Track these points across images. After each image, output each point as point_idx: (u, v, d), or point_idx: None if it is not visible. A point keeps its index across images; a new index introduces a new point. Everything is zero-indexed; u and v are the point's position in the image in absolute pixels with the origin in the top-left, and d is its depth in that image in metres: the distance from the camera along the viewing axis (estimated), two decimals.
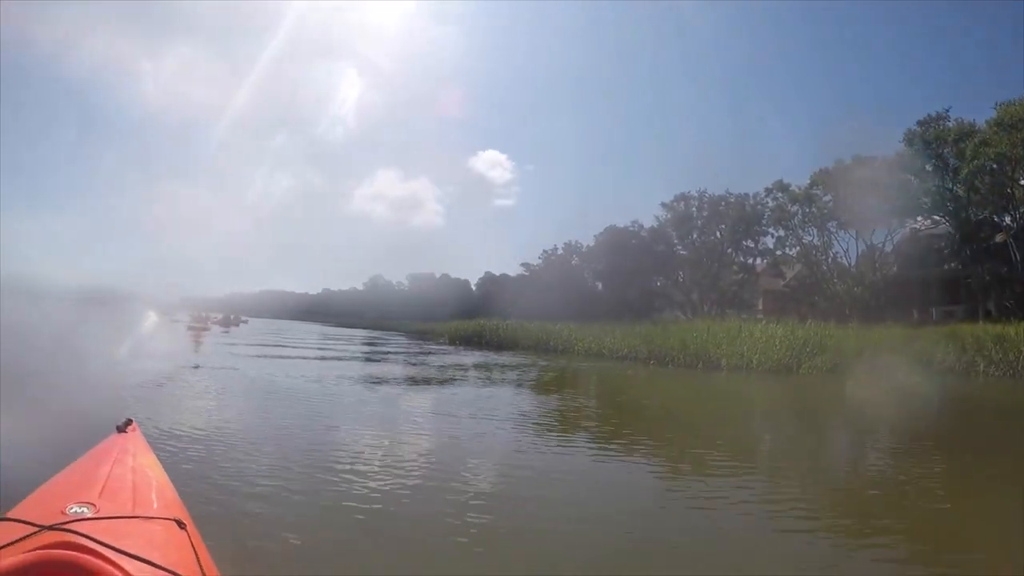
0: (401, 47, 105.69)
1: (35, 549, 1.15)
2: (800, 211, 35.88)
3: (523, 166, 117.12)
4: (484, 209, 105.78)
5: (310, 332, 40.79)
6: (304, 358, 16.97)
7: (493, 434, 6.61)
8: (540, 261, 51.04)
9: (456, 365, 16.88)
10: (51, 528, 1.25)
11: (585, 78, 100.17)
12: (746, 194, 39.32)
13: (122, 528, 1.37)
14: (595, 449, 6.06)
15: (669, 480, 5.11)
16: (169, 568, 1.24)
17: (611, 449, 6.09)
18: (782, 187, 37.08)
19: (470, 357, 20.37)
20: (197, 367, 11.15)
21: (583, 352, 21.99)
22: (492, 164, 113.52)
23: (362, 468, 4.68)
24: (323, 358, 16.76)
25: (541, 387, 12.32)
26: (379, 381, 11.63)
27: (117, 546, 1.19)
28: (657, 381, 13.98)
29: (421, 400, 9.72)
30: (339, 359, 17.07)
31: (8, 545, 1.20)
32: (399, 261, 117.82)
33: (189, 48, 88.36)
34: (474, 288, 61.90)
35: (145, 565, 1.19)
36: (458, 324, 35.28)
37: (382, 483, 4.27)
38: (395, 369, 15.15)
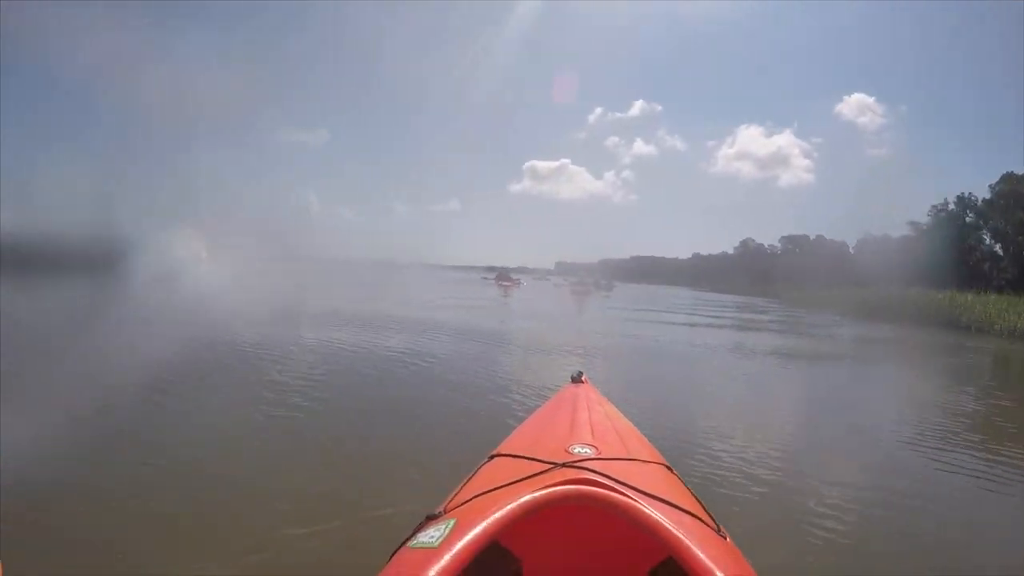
0: None
1: (557, 484, 1.17)
2: None
3: (895, 108, 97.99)
4: (856, 161, 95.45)
5: (683, 297, 39.62)
6: (680, 323, 17.36)
7: None
8: (928, 219, 44.16)
9: (867, 354, 13.03)
10: (564, 465, 1.29)
11: None
12: None
13: (628, 469, 1.35)
14: None
15: None
16: (690, 511, 1.21)
17: None
18: None
19: (875, 336, 17.45)
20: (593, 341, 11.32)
21: (1006, 332, 18.46)
22: (860, 109, 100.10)
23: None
24: (700, 325, 16.60)
25: None
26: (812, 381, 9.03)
27: (636, 485, 1.20)
28: None
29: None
30: (714, 334, 14.79)
31: (525, 479, 1.24)
32: (770, 222, 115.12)
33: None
34: (852, 251, 56.65)
35: (666, 506, 1.17)
36: (846, 293, 32.23)
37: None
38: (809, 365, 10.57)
